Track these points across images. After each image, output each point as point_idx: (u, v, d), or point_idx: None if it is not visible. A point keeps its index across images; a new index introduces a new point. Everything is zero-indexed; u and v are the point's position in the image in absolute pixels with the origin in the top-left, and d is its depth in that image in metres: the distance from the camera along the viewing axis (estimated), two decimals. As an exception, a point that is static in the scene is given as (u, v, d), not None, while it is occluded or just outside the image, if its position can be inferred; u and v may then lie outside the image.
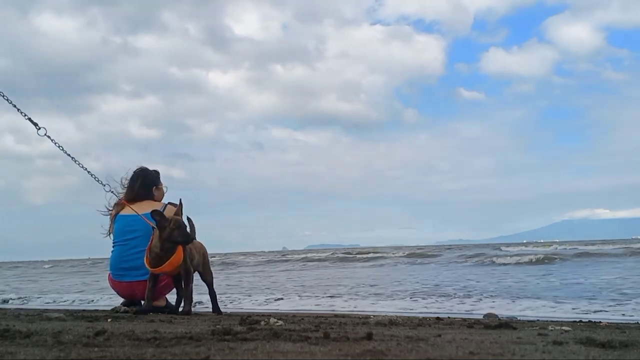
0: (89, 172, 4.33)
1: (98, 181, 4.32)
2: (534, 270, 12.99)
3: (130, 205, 4.20)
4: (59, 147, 4.16)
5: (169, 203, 4.33)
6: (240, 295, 8.14)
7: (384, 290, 8.70)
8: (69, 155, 4.21)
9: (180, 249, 3.84)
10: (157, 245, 3.78)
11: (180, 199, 4.04)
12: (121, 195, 4.42)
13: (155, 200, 4.43)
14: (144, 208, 4.24)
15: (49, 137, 4.06)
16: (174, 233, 3.77)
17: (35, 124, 4.02)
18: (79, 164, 4.30)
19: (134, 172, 4.49)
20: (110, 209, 4.43)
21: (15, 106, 3.95)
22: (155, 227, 3.85)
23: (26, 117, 3.96)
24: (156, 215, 3.79)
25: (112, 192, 4.34)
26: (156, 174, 4.53)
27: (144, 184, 4.41)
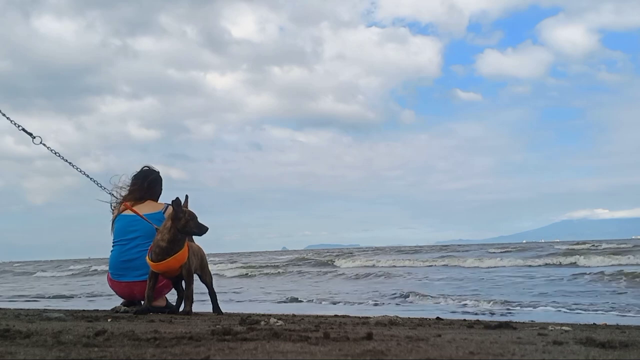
0: (87, 175, 4.35)
1: (97, 184, 4.33)
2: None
3: (131, 208, 4.19)
4: (55, 153, 4.27)
5: (169, 205, 4.32)
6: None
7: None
8: (66, 160, 4.29)
9: (186, 247, 3.84)
10: (164, 238, 3.75)
11: (187, 195, 4.05)
12: (123, 193, 4.40)
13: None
14: (145, 208, 4.24)
15: (44, 144, 4.19)
16: (190, 224, 3.76)
17: (30, 134, 4.08)
18: (77, 169, 4.36)
19: (149, 170, 4.46)
20: (114, 208, 4.42)
21: (8, 118, 4.03)
22: (156, 226, 3.83)
23: (20, 128, 4.05)
24: (175, 204, 3.76)
25: (112, 194, 4.34)
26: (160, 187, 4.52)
27: (151, 186, 4.39)
